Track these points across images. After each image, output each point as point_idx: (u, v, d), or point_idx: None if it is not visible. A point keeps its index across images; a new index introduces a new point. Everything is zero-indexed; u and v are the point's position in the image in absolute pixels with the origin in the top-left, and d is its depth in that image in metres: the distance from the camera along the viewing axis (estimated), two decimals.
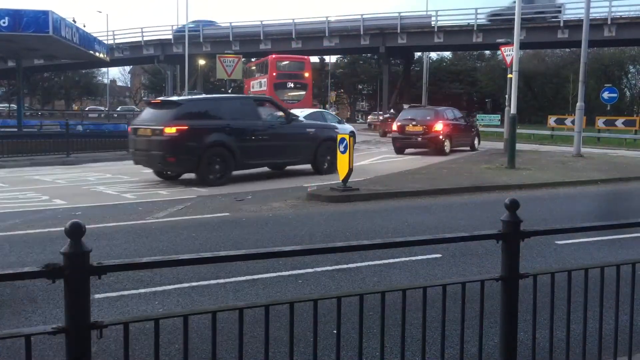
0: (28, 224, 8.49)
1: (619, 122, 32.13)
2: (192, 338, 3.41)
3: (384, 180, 13.33)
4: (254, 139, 13.44)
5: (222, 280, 5.69)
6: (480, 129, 28.45)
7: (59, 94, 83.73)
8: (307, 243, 7.27)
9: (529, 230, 2.94)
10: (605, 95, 31.17)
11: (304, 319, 4.19)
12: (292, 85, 36.21)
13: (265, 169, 14.72)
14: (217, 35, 52.90)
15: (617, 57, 60.44)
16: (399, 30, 46.76)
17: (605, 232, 7.34)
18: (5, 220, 8.77)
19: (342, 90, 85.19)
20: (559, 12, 43.01)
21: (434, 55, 67.86)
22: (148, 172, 14.82)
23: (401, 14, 47.66)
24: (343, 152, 11.18)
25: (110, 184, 13.20)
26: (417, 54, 58.09)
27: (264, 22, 51.29)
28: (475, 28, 44.01)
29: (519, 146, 18.82)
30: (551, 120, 35.01)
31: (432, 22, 46.73)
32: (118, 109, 68.71)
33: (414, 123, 21.24)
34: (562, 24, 41.46)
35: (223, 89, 46.63)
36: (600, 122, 32.03)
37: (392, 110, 40.31)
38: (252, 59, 49.46)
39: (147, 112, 13.77)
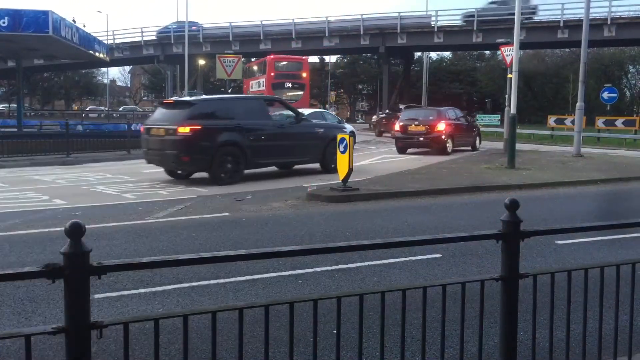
0: (28, 224, 8.49)
1: (619, 122, 32.13)
2: (192, 338, 3.41)
3: (384, 180, 13.33)
4: (265, 138, 13.61)
5: (222, 280, 5.69)
6: (481, 129, 28.46)
7: (59, 94, 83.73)
8: (307, 243, 7.27)
9: (528, 230, 2.94)
10: (605, 95, 31.17)
11: (304, 319, 4.19)
12: (290, 85, 36.40)
13: (266, 169, 14.73)
14: (217, 35, 52.91)
15: (617, 57, 60.44)
16: (398, 30, 46.78)
17: (605, 232, 7.35)
18: (5, 220, 8.77)
19: (342, 90, 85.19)
20: (534, 13, 43.94)
21: (433, 55, 67.99)
22: (148, 172, 14.83)
23: (401, 14, 47.68)
24: (343, 152, 11.19)
25: (110, 184, 13.20)
26: (417, 54, 58.11)
27: (263, 22, 51.30)
28: (475, 28, 44.03)
29: (518, 146, 18.82)
30: (551, 120, 35.01)
31: (432, 22, 46.77)
32: (120, 109, 68.74)
33: (416, 123, 21.26)
34: (562, 24, 41.49)
35: (223, 89, 46.68)
36: (600, 122, 32.03)
37: (387, 110, 40.43)
38: (252, 59, 49.49)
39: (160, 112, 13.89)
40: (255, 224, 8.70)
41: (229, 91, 36.90)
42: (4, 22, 21.21)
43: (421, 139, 21.02)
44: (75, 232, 2.05)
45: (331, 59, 75.64)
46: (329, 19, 49.98)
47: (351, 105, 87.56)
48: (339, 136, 11.64)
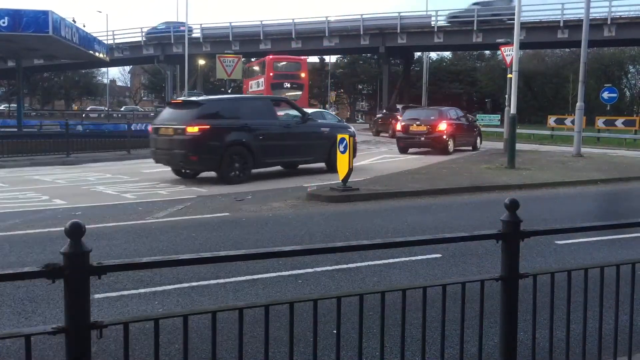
0: (28, 224, 8.49)
1: (619, 122, 32.13)
2: (192, 338, 3.41)
3: (384, 180, 13.34)
4: (272, 138, 13.76)
5: (222, 280, 5.69)
6: (481, 129, 28.48)
7: (59, 94, 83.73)
8: (307, 243, 7.27)
9: (528, 230, 2.94)
10: (605, 95, 31.18)
11: (304, 319, 4.18)
12: (288, 85, 36.55)
13: (266, 169, 14.73)
14: (217, 35, 52.91)
15: (617, 57, 60.44)
16: (398, 30, 46.76)
17: (605, 232, 7.35)
18: (5, 220, 8.77)
19: (342, 90, 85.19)
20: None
21: (433, 55, 67.97)
22: (148, 172, 14.85)
23: (401, 14, 47.65)
24: (343, 152, 11.19)
25: (110, 184, 13.20)
26: (417, 54, 58.08)
27: (263, 22, 51.28)
28: (475, 28, 44.06)
29: (518, 146, 18.82)
30: (551, 120, 35.02)
31: (432, 22, 46.75)
32: (122, 109, 68.72)
33: (418, 123, 21.31)
34: (562, 24, 41.49)
35: (223, 89, 46.69)
36: (600, 122, 32.03)
37: (384, 111, 40.58)
38: (252, 59, 49.49)
39: (168, 112, 14.02)
40: (255, 224, 8.70)
41: (229, 91, 36.97)
42: (4, 22, 21.21)
43: (423, 138, 21.06)
44: (75, 232, 2.05)
45: (331, 59, 75.74)
46: (329, 19, 49.98)
47: (351, 105, 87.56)
48: (339, 136, 11.66)
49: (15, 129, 28.36)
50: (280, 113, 15.16)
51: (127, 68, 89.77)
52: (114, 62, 57.36)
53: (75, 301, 2.06)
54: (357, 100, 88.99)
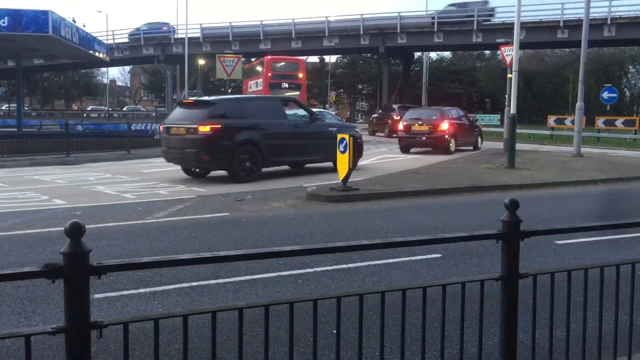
0: (28, 223, 8.49)
1: (619, 122, 32.14)
2: (192, 338, 3.41)
3: (384, 180, 13.33)
4: (281, 137, 13.95)
5: (221, 280, 5.69)
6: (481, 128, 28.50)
7: (59, 94, 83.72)
8: (307, 243, 7.27)
9: (528, 230, 2.94)
10: (605, 95, 31.18)
11: (303, 319, 4.18)
12: (286, 85, 36.71)
13: (266, 168, 14.73)
14: (217, 35, 52.91)
15: (617, 57, 60.46)
16: (398, 30, 46.76)
17: (605, 232, 7.35)
18: (5, 220, 8.77)
19: (342, 90, 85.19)
20: (492, 15, 45.42)
21: (433, 55, 67.95)
22: (148, 172, 14.86)
23: (401, 14, 47.65)
24: (343, 152, 11.17)
25: (110, 184, 13.20)
26: (417, 54, 58.09)
27: (263, 22, 51.27)
28: (474, 28, 44.07)
29: (518, 146, 18.83)
30: (551, 120, 35.02)
31: (432, 22, 46.76)
32: (124, 109, 68.72)
33: (419, 122, 21.36)
34: (562, 24, 41.49)
35: (223, 89, 46.67)
36: (600, 122, 32.04)
37: (380, 110, 40.74)
38: (252, 59, 49.48)
39: (179, 112, 14.14)
40: (255, 224, 8.70)
41: (229, 91, 37.00)
42: (3, 22, 21.20)
43: (424, 138, 21.11)
44: (75, 232, 2.05)
45: (331, 59, 75.70)
46: (328, 19, 49.97)
47: (351, 105, 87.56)
48: (339, 136, 11.66)
49: (15, 129, 28.35)
50: (288, 113, 15.26)
51: (127, 68, 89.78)
52: (114, 62, 57.35)
53: (75, 301, 2.06)
54: (357, 100, 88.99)
